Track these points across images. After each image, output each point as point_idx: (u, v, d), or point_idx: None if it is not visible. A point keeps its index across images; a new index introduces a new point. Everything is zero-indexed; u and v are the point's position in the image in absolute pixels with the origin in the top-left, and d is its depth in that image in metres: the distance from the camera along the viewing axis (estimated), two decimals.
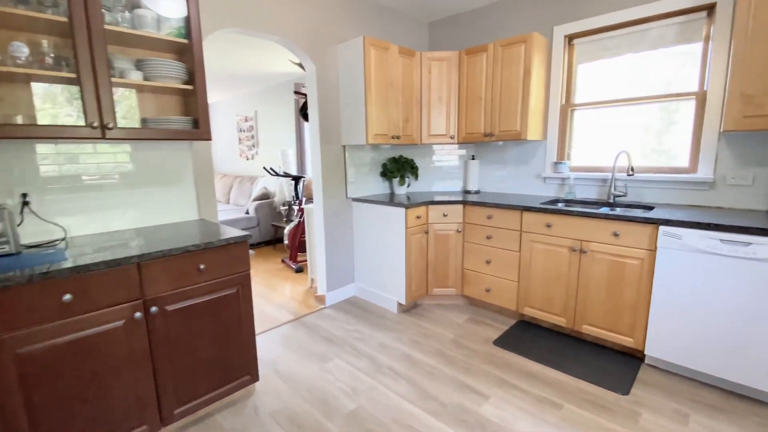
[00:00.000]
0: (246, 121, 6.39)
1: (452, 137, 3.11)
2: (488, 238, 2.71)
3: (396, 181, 3.24)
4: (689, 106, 2.31)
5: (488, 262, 2.73)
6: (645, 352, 2.08)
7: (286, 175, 4.25)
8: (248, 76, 5.08)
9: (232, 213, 5.31)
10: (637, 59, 2.48)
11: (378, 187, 3.31)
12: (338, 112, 2.90)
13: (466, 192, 3.29)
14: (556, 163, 2.84)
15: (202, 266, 1.63)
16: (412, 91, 2.99)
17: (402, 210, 2.68)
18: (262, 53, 4.00)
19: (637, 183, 2.50)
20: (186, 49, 1.88)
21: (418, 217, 2.75)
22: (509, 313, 2.77)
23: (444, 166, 3.46)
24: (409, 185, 3.43)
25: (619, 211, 2.48)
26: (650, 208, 2.33)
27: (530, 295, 2.54)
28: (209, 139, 1.91)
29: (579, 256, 2.26)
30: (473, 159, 3.29)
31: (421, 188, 3.49)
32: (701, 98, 2.24)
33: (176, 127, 1.87)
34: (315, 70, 2.72)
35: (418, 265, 2.84)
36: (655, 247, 1.98)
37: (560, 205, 2.71)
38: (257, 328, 2.66)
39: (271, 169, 4.48)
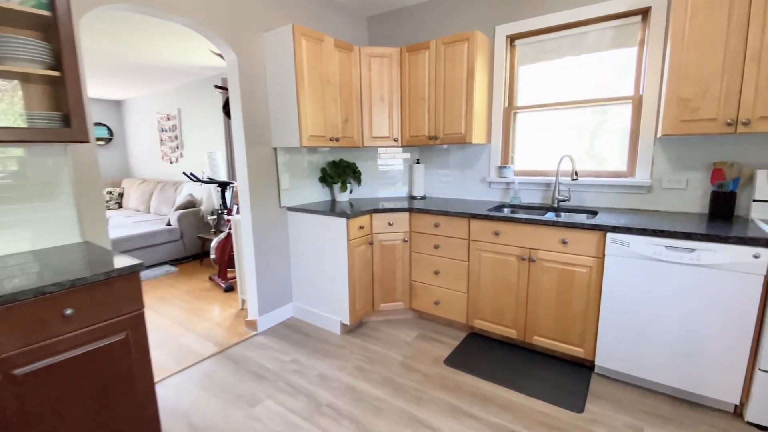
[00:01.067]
0: (168, 119, 5.69)
1: (396, 140, 2.90)
2: (436, 247, 2.53)
3: (337, 187, 2.96)
4: (626, 111, 2.32)
5: (436, 273, 2.56)
6: (595, 362, 2.02)
7: (211, 181, 3.76)
8: (168, 68, 4.47)
9: (150, 224, 4.64)
10: (576, 62, 2.46)
11: (317, 194, 3.01)
12: (267, 110, 2.56)
13: (412, 198, 3.11)
14: (500, 168, 2.76)
15: (68, 311, 1.22)
16: (351, 90, 2.74)
17: (343, 220, 2.41)
18: (177, 41, 3.49)
19: (580, 187, 2.48)
20: (50, 25, 1.44)
21: (361, 228, 2.50)
22: (459, 326, 2.63)
23: (389, 171, 3.25)
24: (351, 191, 3.16)
25: (564, 216, 2.44)
26: (594, 212, 2.30)
27: (480, 306, 2.40)
28: (86, 140, 1.49)
29: (528, 264, 2.16)
30: (418, 163, 3.11)
31: (365, 194, 3.24)
32: (637, 102, 2.26)
33: (40, 126, 1.42)
34: (236, 61, 2.35)
35: (363, 280, 2.58)
36: (603, 255, 1.92)
37: (506, 211, 2.62)
38: (172, 367, 2.22)
39: (191, 174, 3.94)
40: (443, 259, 2.52)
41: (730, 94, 1.75)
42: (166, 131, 5.84)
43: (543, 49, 2.57)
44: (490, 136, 2.81)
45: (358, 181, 3.10)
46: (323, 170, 2.98)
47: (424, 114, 2.75)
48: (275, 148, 2.62)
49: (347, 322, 2.51)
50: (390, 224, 2.62)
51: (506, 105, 2.75)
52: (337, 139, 2.64)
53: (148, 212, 5.78)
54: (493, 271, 2.31)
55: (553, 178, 2.55)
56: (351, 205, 2.81)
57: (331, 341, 2.48)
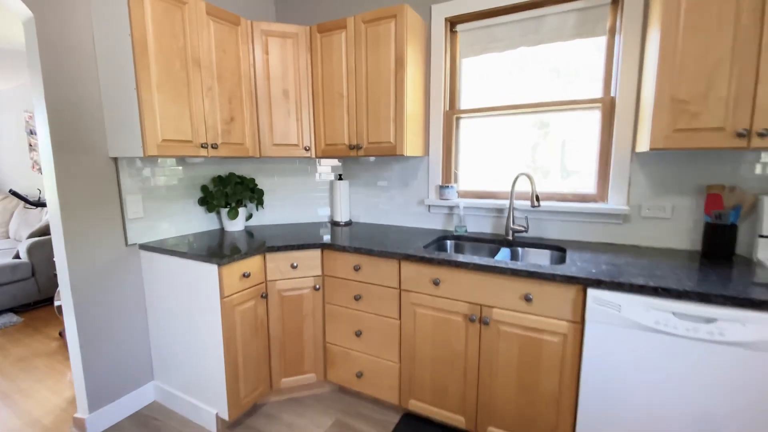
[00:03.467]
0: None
1: (307, 149, 2.18)
2: (357, 298, 1.83)
3: (225, 212, 2.15)
4: (594, 117, 1.82)
5: (359, 333, 1.86)
6: None
7: (41, 204, 2.73)
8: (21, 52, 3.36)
9: None
10: (532, 54, 1.93)
11: (201, 221, 2.18)
12: (99, 103, 1.70)
13: (335, 224, 2.39)
14: (441, 188, 2.14)
15: None
16: (239, 79, 1.97)
17: (212, 267, 1.62)
18: None
19: (539, 213, 1.93)
20: None
21: (245, 276, 1.72)
22: (391, 405, 1.93)
23: (307, 188, 2.50)
24: (250, 217, 2.36)
25: (524, 257, 1.86)
26: (561, 249, 1.75)
27: (417, 382, 1.73)
28: None
29: (479, 327, 1.54)
30: (340, 179, 2.41)
31: (272, 220, 2.46)
32: (608, 107, 1.76)
33: None
34: (33, 23, 1.49)
35: (252, 351, 1.80)
36: (583, 319, 1.34)
37: (449, 246, 2.01)
38: None
39: (17, 194, 2.88)
40: (367, 315, 1.82)
41: (742, 94, 1.26)
42: (36, 134, 4.57)
43: (491, 37, 2.01)
44: (427, 146, 2.19)
45: (259, 203, 2.32)
46: (203, 188, 2.16)
47: (343, 116, 2.07)
48: (115, 159, 1.76)
49: (226, 416, 1.70)
50: (294, 266, 1.87)
51: (447, 108, 2.16)
52: (215, 146, 1.85)
53: (7, 237, 4.47)
54: (433, 334, 1.65)
55: (506, 202, 1.98)
56: (251, 235, 2.03)
57: None
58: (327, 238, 1.98)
